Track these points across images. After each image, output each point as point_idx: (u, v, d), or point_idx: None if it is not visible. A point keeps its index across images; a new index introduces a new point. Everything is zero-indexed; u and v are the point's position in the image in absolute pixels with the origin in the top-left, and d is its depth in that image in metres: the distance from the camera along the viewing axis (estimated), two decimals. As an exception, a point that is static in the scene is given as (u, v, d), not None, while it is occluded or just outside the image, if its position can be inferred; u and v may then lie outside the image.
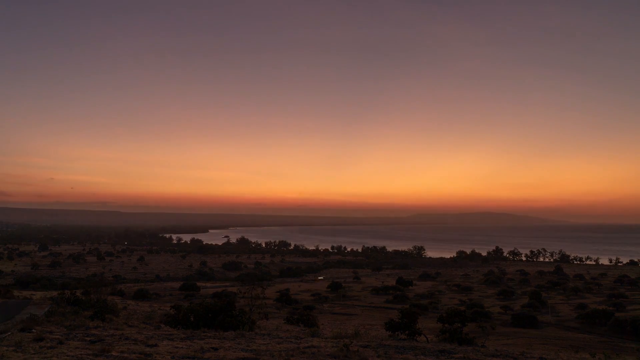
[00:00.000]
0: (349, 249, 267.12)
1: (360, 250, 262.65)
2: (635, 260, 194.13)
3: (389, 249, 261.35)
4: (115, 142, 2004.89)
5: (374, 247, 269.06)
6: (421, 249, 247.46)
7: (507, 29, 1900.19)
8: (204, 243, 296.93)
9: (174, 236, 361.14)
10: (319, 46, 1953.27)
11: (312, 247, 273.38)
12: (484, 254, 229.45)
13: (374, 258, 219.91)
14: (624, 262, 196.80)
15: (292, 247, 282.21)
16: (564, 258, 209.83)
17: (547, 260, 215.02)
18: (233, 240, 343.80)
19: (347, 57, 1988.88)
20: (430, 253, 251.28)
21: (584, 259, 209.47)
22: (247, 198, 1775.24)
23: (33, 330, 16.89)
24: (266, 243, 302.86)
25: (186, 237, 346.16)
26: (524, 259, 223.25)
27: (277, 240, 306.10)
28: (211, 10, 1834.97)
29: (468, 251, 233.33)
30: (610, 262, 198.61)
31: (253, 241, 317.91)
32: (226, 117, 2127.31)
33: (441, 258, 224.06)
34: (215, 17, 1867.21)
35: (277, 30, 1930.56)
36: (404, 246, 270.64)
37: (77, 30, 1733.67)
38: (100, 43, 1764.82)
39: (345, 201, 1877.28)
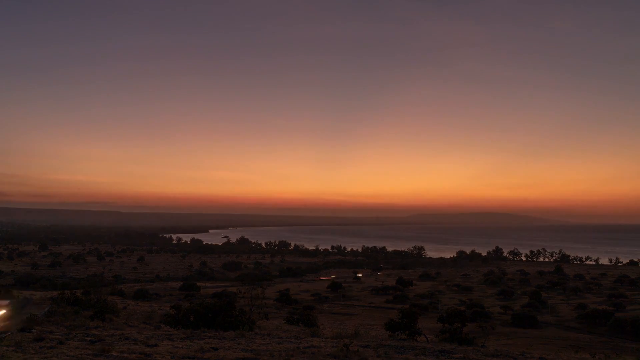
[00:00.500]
0: (349, 249, 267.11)
1: (360, 250, 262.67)
2: (635, 260, 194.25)
3: (389, 249, 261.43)
4: (115, 142, 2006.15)
5: (374, 247, 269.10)
6: (421, 249, 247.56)
7: (505, 29, 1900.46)
8: (204, 243, 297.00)
9: (174, 236, 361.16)
10: (317, 46, 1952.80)
11: (312, 247, 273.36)
12: (484, 254, 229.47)
13: (374, 258, 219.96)
14: (624, 262, 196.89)
15: (292, 247, 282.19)
16: (564, 258, 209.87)
17: (547, 260, 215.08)
18: (233, 240, 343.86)
19: (346, 56, 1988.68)
20: (430, 253, 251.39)
21: (584, 259, 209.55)
22: (247, 198, 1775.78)
23: (33, 330, 16.88)
24: (266, 243, 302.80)
25: (186, 237, 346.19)
26: (524, 259, 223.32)
27: (277, 240, 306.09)
28: (212, 11, 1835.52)
29: (468, 251, 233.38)
30: (610, 262, 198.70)
31: (253, 241, 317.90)
32: (227, 117, 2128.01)
33: (441, 258, 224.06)
34: (217, 17, 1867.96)
35: (275, 30, 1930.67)
36: (404, 246, 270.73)
37: (78, 30, 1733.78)
38: (102, 43, 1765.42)
39: (345, 201, 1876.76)
